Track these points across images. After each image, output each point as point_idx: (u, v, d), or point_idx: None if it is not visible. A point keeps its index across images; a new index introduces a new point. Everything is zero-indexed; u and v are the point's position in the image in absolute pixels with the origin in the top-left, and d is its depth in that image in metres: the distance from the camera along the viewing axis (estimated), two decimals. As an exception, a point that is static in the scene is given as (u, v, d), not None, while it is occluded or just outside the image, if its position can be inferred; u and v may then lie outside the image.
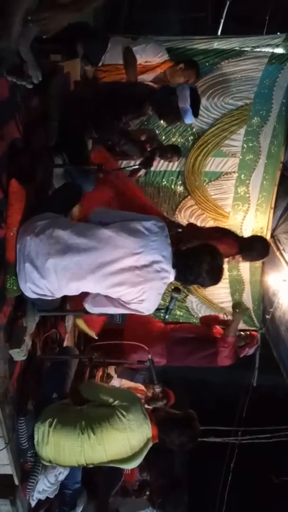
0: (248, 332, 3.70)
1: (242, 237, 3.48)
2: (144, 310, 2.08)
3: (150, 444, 2.28)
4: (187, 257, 2.07)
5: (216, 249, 2.11)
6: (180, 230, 3.33)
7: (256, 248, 3.29)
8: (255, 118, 3.86)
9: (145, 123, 3.86)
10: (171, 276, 2.05)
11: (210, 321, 3.78)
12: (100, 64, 3.27)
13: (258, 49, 3.70)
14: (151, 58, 3.27)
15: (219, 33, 5.20)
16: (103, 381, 3.60)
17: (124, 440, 2.18)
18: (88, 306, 2.10)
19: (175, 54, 3.52)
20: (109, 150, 3.23)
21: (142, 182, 4.19)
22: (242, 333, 3.62)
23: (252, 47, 3.69)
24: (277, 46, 3.66)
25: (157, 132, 3.83)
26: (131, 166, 3.43)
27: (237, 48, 3.73)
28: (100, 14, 5.16)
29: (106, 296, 2.06)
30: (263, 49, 3.70)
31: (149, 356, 2.71)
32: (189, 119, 2.69)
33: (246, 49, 3.73)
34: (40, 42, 1.93)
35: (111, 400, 2.27)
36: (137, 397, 2.35)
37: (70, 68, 2.86)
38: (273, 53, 3.69)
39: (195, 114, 2.67)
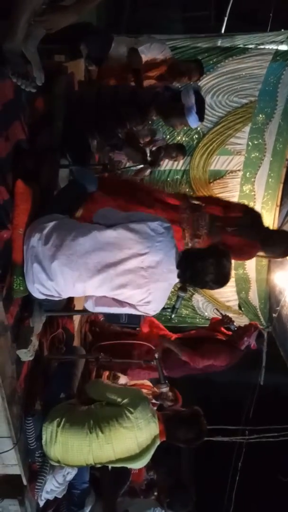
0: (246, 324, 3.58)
1: (266, 230, 3.22)
2: (151, 312, 2.07)
3: (158, 442, 2.29)
4: (194, 260, 2.03)
5: (225, 253, 2.06)
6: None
7: (279, 244, 3.08)
8: (260, 116, 3.85)
9: (149, 122, 3.85)
10: (176, 277, 2.04)
11: (215, 324, 3.72)
12: (104, 64, 3.26)
13: (262, 47, 3.68)
14: (154, 56, 3.27)
15: (222, 31, 5.18)
16: (110, 381, 3.60)
17: (132, 439, 2.18)
18: (89, 305, 2.07)
19: (179, 53, 3.51)
20: (112, 149, 3.23)
21: (147, 181, 4.19)
22: (240, 326, 3.53)
23: (256, 44, 3.68)
24: (281, 43, 3.65)
25: (161, 131, 3.82)
26: (136, 165, 3.42)
27: (241, 46, 3.72)
28: (103, 14, 5.16)
29: (113, 298, 2.05)
30: (267, 46, 3.68)
31: (156, 355, 2.72)
32: (194, 124, 2.72)
33: (250, 46, 3.71)
34: (44, 42, 1.93)
35: (119, 399, 2.27)
36: (145, 395, 2.35)
37: (74, 68, 2.86)
38: (277, 50, 3.68)
39: (201, 118, 2.68)
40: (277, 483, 4.64)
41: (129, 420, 2.17)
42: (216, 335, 3.48)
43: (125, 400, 2.24)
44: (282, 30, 3.69)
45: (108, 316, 3.50)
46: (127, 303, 2.04)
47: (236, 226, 3.03)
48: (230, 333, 3.55)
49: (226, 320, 3.56)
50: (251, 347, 3.41)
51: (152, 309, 2.05)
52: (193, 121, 2.65)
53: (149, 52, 3.21)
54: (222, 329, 3.60)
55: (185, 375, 3.51)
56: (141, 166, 3.27)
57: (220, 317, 3.69)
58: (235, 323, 3.54)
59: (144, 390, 3.27)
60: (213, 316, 4.71)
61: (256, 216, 3.21)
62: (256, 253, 3.20)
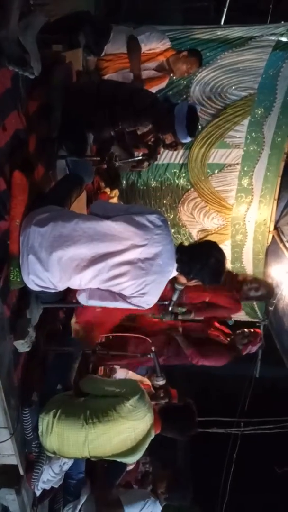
0: (252, 330, 3.60)
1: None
2: (144, 305, 2.06)
3: (153, 434, 2.31)
4: (193, 251, 2.07)
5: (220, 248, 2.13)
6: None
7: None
8: (259, 109, 3.82)
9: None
10: (173, 270, 2.05)
11: (211, 318, 3.75)
12: (102, 54, 3.23)
13: (262, 39, 3.65)
14: (154, 46, 3.24)
15: (222, 22, 5.15)
16: (107, 374, 3.61)
17: (129, 429, 2.20)
18: (82, 298, 2.07)
19: (178, 44, 3.48)
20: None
21: (145, 176, 4.17)
22: (246, 330, 3.57)
23: (256, 36, 3.64)
24: (281, 35, 3.61)
25: None
26: (134, 158, 3.40)
27: (240, 38, 3.68)
28: (102, 4, 5.11)
29: (107, 290, 2.05)
30: (267, 38, 3.65)
31: (153, 348, 2.73)
32: (184, 139, 2.77)
33: (249, 38, 3.68)
34: (42, 32, 1.91)
35: (117, 390, 2.28)
36: (142, 387, 2.36)
37: (72, 58, 2.83)
38: (277, 43, 3.64)
39: (191, 134, 2.74)
40: (272, 474, 4.69)
41: (127, 409, 2.19)
42: (217, 336, 3.51)
43: (123, 390, 2.26)
44: (282, 22, 3.66)
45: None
46: (120, 296, 2.04)
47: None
48: (228, 331, 3.58)
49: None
50: (250, 352, 3.49)
51: (146, 301, 2.04)
52: (182, 136, 2.71)
53: (148, 41, 3.18)
54: (216, 324, 3.63)
55: (182, 364, 3.56)
56: (139, 158, 3.25)
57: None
58: (233, 319, 3.57)
59: None
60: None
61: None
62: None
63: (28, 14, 1.84)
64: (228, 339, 3.51)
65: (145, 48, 3.18)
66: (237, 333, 3.50)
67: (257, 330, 3.65)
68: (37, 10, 1.81)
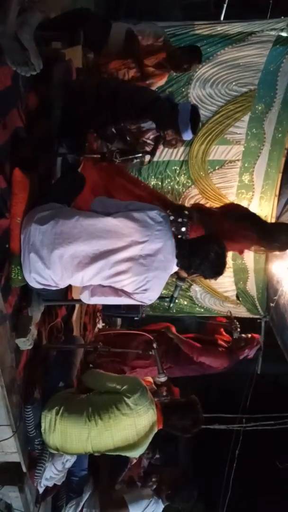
0: (249, 335, 3.62)
1: (264, 224, 3.26)
2: (146, 300, 2.07)
3: (155, 430, 2.31)
4: (193, 245, 2.08)
5: (221, 240, 2.12)
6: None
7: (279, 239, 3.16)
8: (260, 105, 3.81)
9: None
10: (174, 265, 2.06)
11: (217, 326, 3.76)
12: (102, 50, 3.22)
13: (262, 34, 3.63)
14: (152, 42, 3.23)
15: (221, 18, 5.12)
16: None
17: (131, 426, 2.20)
18: (85, 296, 2.07)
19: (178, 40, 3.47)
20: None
21: (145, 173, 4.16)
22: (243, 335, 3.58)
23: (256, 31, 3.63)
24: (282, 30, 3.59)
25: None
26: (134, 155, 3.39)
27: (240, 33, 3.67)
28: (102, 1, 5.08)
29: (109, 287, 2.05)
30: (267, 34, 3.63)
31: (154, 345, 2.73)
32: (187, 136, 2.77)
33: (249, 34, 3.66)
34: (42, 29, 1.91)
35: (118, 386, 2.29)
36: (143, 383, 2.36)
37: (72, 55, 2.82)
38: (277, 38, 3.62)
39: (194, 131, 2.76)
40: (274, 470, 4.70)
41: (128, 406, 2.19)
42: (217, 340, 3.53)
43: (124, 387, 2.26)
44: (282, 17, 3.64)
45: (107, 305, 3.51)
46: (123, 292, 2.05)
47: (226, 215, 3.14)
48: (229, 338, 3.59)
49: (233, 326, 3.59)
50: (247, 357, 3.49)
51: (148, 297, 2.05)
52: (185, 133, 2.72)
53: (146, 36, 3.17)
54: (222, 331, 3.64)
55: (184, 375, 3.56)
56: (139, 154, 3.25)
57: (228, 320, 3.72)
58: (238, 330, 3.56)
59: None
60: (212, 307, 4.74)
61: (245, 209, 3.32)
62: (250, 244, 3.24)
63: (26, 11, 1.83)
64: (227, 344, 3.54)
65: (142, 42, 3.17)
66: (234, 337, 3.52)
67: (254, 335, 3.65)
68: (36, 7, 1.79)
